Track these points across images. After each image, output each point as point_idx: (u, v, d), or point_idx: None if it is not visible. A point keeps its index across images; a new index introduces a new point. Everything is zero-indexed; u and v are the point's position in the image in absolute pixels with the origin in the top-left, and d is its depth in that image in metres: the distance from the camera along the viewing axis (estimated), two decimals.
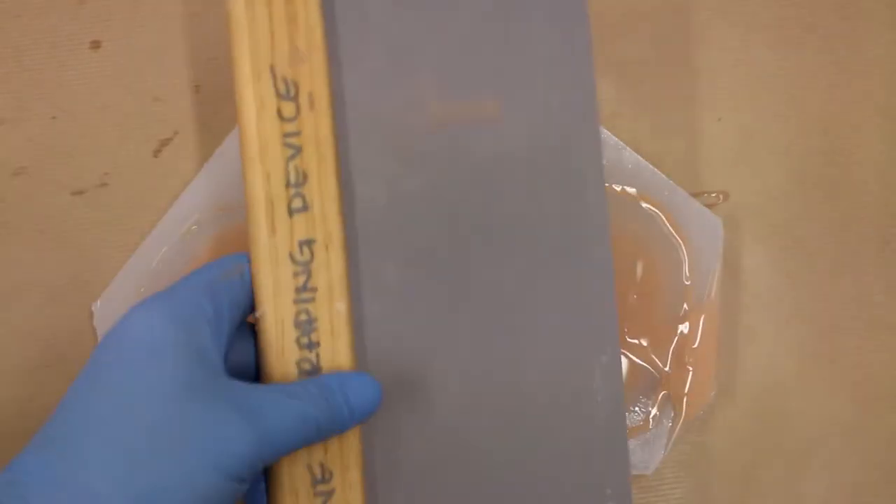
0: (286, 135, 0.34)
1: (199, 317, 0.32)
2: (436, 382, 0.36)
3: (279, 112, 0.34)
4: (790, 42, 0.45)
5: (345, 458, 0.34)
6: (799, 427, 0.44)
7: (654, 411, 0.43)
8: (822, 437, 0.44)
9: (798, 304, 0.45)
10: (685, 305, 0.43)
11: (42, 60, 0.43)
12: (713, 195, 0.45)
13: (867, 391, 0.44)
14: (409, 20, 0.36)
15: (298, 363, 0.34)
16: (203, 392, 0.31)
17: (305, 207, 0.34)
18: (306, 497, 0.34)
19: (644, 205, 0.44)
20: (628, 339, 0.43)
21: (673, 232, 0.44)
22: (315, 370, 0.34)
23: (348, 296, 0.35)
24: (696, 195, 0.44)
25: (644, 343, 0.43)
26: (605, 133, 0.44)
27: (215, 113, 0.43)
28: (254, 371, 0.35)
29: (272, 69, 0.34)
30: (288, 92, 0.34)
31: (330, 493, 0.34)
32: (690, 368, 0.43)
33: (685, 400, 0.43)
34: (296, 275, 0.34)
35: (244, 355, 0.35)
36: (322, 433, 0.33)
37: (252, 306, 0.34)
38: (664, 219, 0.44)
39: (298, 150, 0.34)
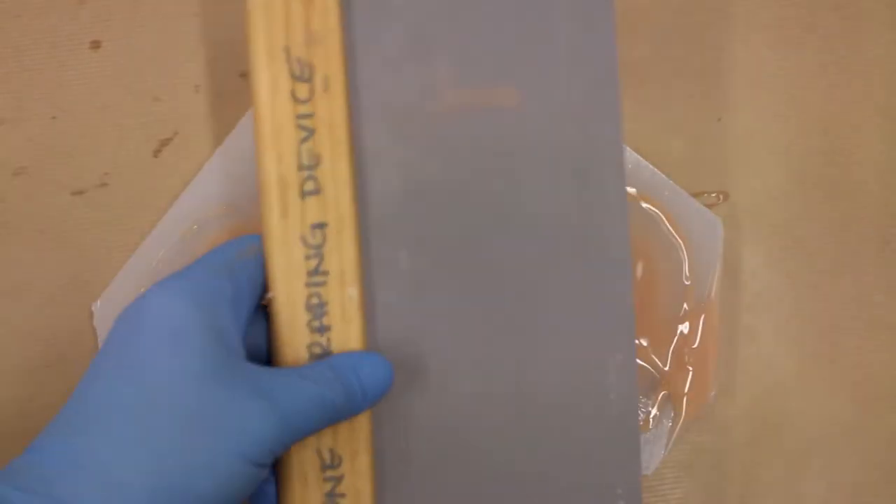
0: (300, 116, 0.34)
1: (220, 297, 0.32)
2: (446, 372, 0.36)
3: (293, 93, 0.34)
4: (790, 42, 0.45)
5: (354, 443, 0.34)
6: (799, 427, 0.44)
7: (654, 411, 0.43)
8: (822, 437, 0.44)
9: (798, 304, 0.45)
10: (685, 305, 0.43)
11: (42, 60, 0.43)
12: (713, 195, 0.45)
13: (867, 391, 0.44)
14: (427, 5, 0.36)
15: (309, 347, 0.34)
16: (225, 375, 0.30)
17: (318, 190, 0.34)
18: (315, 482, 0.34)
19: (644, 205, 0.44)
20: None
21: (673, 232, 0.44)
22: (326, 354, 0.34)
23: (360, 281, 0.34)
24: (696, 195, 0.44)
25: (644, 343, 0.43)
26: None
27: (215, 113, 0.43)
28: (266, 354, 0.35)
29: (287, 50, 0.34)
30: (302, 73, 0.34)
31: (339, 479, 0.34)
32: (690, 368, 0.43)
33: (685, 400, 0.43)
34: (307, 258, 0.34)
35: (257, 338, 0.34)
36: (337, 415, 0.33)
37: (266, 288, 0.34)
38: (664, 219, 0.44)
39: (312, 132, 0.34)
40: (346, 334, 0.34)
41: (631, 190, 0.44)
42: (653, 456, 0.43)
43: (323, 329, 0.34)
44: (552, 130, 0.36)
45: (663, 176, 0.44)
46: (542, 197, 0.36)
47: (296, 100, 0.34)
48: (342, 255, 0.34)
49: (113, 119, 0.43)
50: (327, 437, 0.34)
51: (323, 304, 0.34)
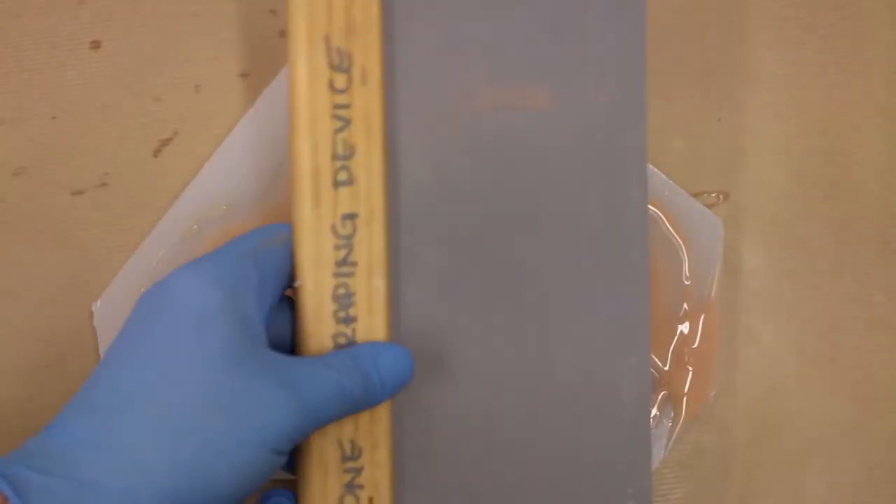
0: (336, 106, 0.34)
1: (245, 283, 0.31)
2: (468, 367, 0.36)
3: (331, 83, 0.34)
4: (790, 42, 0.45)
5: (375, 435, 0.34)
6: (799, 427, 0.44)
7: (654, 411, 0.43)
8: (822, 437, 0.44)
9: (798, 304, 0.45)
10: (685, 305, 0.43)
11: (42, 60, 0.43)
12: (713, 195, 0.45)
13: (867, 391, 0.44)
14: (465, 2, 0.36)
15: (334, 337, 0.34)
16: (248, 361, 0.30)
17: (350, 181, 0.34)
18: (336, 473, 0.34)
19: None
20: None
21: (673, 232, 0.44)
22: (350, 344, 0.34)
23: (387, 273, 0.34)
24: (696, 195, 0.44)
25: None
26: None
27: (215, 113, 0.43)
28: (289, 345, 0.35)
29: (327, 39, 0.34)
30: (341, 63, 0.34)
31: (359, 471, 0.34)
32: (690, 368, 0.43)
33: (685, 400, 0.43)
34: (337, 248, 0.34)
35: (280, 328, 0.34)
36: (356, 404, 0.33)
37: (292, 278, 0.34)
38: (664, 219, 0.44)
39: (348, 122, 0.34)
40: (372, 325, 0.34)
41: None
42: (653, 456, 0.43)
43: (349, 320, 0.34)
44: (580, 132, 0.37)
45: (663, 176, 0.44)
46: (566, 198, 0.37)
47: (333, 90, 0.34)
48: (371, 246, 0.34)
49: (113, 119, 0.43)
50: (348, 428, 0.34)
51: (350, 294, 0.34)
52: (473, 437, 0.36)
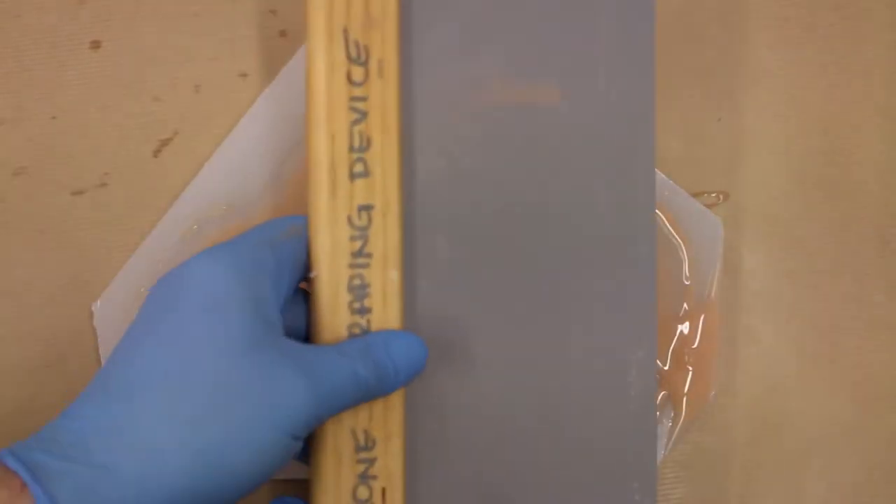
0: (353, 98, 0.34)
1: (261, 270, 0.32)
2: (480, 358, 0.37)
3: (349, 75, 0.34)
4: (790, 42, 0.45)
5: (388, 426, 0.34)
6: (799, 427, 0.44)
7: None
8: (822, 437, 0.44)
9: (798, 304, 0.45)
10: (685, 305, 0.43)
11: (42, 60, 0.43)
12: (713, 195, 0.45)
13: (867, 391, 0.44)
14: None
15: (349, 327, 0.34)
16: (264, 348, 0.30)
17: (366, 173, 0.34)
18: (349, 462, 0.34)
19: None
20: None
21: (673, 232, 0.44)
22: (365, 335, 0.34)
23: (402, 265, 0.35)
24: (696, 195, 0.44)
25: None
26: None
27: (215, 113, 0.43)
28: (304, 336, 0.35)
29: (345, 32, 0.34)
30: (359, 56, 0.34)
31: (372, 461, 0.34)
32: (690, 368, 0.43)
33: (685, 400, 0.43)
34: (352, 239, 0.34)
35: (295, 320, 0.35)
36: (370, 392, 0.33)
37: (307, 269, 0.34)
38: (664, 219, 0.44)
39: (364, 115, 0.34)
40: (386, 316, 0.34)
41: None
42: None
43: (364, 311, 0.34)
44: (590, 127, 0.37)
45: (663, 176, 0.44)
46: (576, 192, 0.37)
47: (351, 82, 0.34)
48: (386, 237, 0.34)
49: (113, 119, 0.43)
50: (363, 418, 0.34)
51: (365, 285, 0.34)
52: (485, 427, 0.37)
